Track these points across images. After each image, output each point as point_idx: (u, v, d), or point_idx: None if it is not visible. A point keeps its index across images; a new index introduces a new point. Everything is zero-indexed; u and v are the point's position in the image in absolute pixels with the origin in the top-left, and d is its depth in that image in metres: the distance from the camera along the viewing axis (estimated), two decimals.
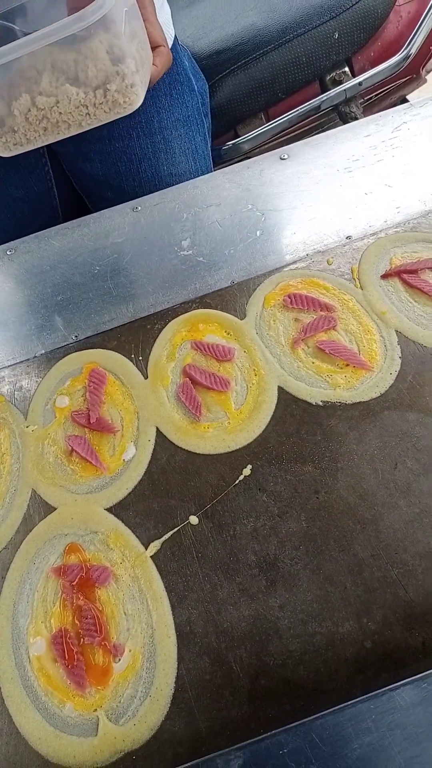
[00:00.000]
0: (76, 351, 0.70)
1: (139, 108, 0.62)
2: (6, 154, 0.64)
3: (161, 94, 0.87)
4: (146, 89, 0.64)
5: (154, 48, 0.68)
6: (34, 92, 0.58)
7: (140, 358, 0.68)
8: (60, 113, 0.60)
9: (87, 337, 0.72)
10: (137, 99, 0.62)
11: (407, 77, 1.20)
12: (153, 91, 0.85)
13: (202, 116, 0.96)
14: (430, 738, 0.38)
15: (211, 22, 1.09)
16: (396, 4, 1.15)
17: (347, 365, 0.62)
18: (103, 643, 0.50)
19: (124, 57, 0.57)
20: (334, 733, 0.39)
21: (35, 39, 0.53)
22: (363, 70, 1.15)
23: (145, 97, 0.63)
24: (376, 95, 1.23)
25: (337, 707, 0.40)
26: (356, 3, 1.11)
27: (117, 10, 0.55)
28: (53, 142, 0.64)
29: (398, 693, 0.40)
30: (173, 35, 0.90)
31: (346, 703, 0.40)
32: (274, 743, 0.39)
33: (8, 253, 0.84)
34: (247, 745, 0.40)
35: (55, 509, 0.59)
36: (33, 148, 0.64)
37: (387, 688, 0.40)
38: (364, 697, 0.40)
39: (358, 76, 1.14)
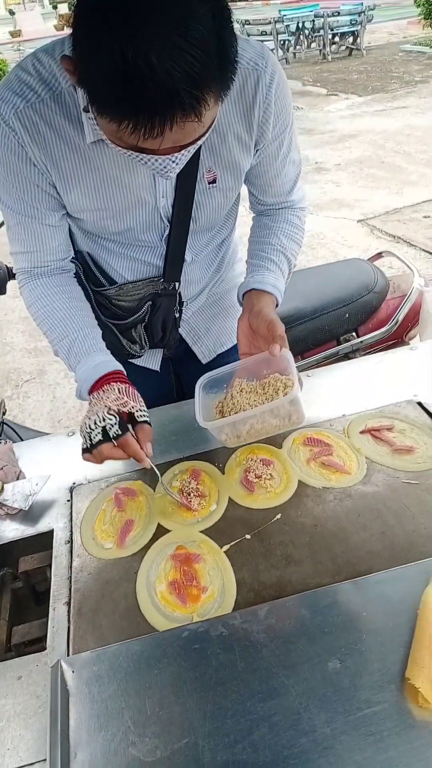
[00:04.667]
0: (184, 461, 1.24)
1: None
2: (231, 446, 1.22)
3: None
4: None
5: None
6: (253, 422, 1.15)
7: (220, 464, 1.21)
8: (265, 430, 1.16)
9: (189, 456, 1.26)
10: (304, 418, 1.14)
11: (393, 340, 1.89)
12: None
13: None
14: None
15: None
16: (385, 299, 1.88)
17: (337, 471, 1.13)
18: (196, 585, 0.94)
19: (299, 402, 1.11)
20: (313, 599, 0.82)
21: (262, 408, 1.10)
22: (364, 334, 1.84)
23: None
24: (373, 350, 1.90)
25: (312, 590, 0.84)
26: (360, 297, 1.85)
27: (297, 385, 1.07)
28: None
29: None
30: None
31: (316, 589, 0.84)
32: (285, 600, 0.83)
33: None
34: (270, 602, 0.83)
35: (170, 531, 1.07)
36: (246, 443, 1.20)
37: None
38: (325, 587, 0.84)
39: (361, 337, 1.83)
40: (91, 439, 0.99)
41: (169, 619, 0.91)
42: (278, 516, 1.06)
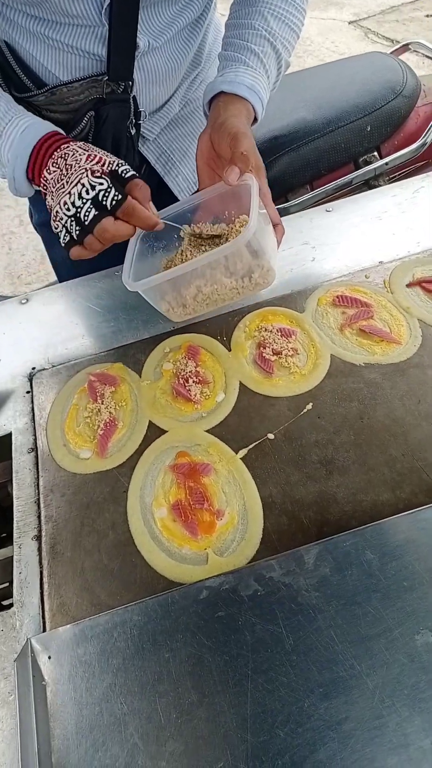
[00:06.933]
0: (175, 334, 0.94)
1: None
2: (177, 320, 0.90)
3: None
4: (276, 266, 0.83)
5: (274, 225, 0.84)
6: (200, 284, 0.82)
7: (224, 338, 0.91)
8: (218, 295, 0.84)
9: (182, 327, 0.96)
10: (273, 277, 0.83)
11: (424, 161, 1.50)
12: None
13: None
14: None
15: (272, 115, 1.41)
16: (416, 105, 1.46)
17: (382, 340, 0.85)
18: (208, 508, 0.70)
19: (263, 251, 0.78)
20: (380, 535, 0.58)
21: (205, 257, 0.74)
22: (389, 154, 1.45)
23: None
24: (398, 175, 1.52)
25: (377, 522, 0.60)
26: (385, 104, 1.44)
27: (254, 224, 0.70)
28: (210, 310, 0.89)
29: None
30: None
31: (383, 520, 0.60)
32: (339, 540, 0.59)
33: (116, 273, 1.10)
34: (320, 543, 0.59)
35: (166, 431, 0.80)
36: (196, 315, 0.90)
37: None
38: (398, 515, 0.60)
39: (385, 158, 1.44)
40: (81, 220, 0.70)
41: (176, 558, 0.67)
42: (309, 406, 0.79)
